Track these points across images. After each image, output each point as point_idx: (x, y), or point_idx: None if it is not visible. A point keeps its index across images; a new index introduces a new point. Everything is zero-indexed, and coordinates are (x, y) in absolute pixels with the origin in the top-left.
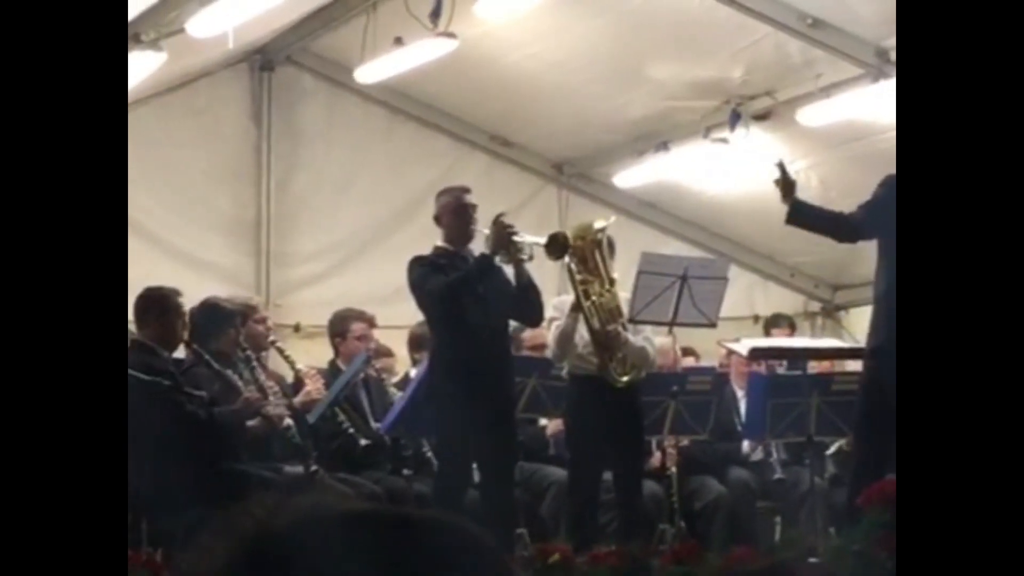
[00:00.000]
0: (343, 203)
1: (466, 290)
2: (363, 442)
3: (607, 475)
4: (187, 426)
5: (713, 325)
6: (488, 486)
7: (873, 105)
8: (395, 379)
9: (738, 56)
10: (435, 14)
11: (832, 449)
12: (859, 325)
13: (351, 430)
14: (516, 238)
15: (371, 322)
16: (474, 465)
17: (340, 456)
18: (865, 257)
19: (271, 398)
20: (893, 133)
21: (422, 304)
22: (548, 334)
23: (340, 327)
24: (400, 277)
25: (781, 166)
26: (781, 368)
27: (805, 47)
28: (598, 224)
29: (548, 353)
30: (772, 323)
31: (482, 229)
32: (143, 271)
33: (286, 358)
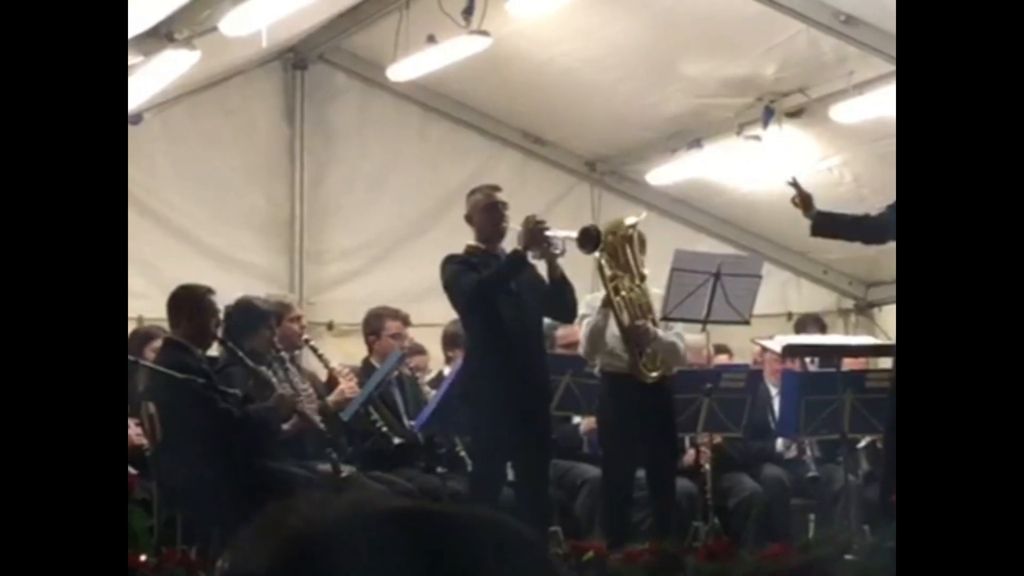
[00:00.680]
0: (376, 201)
1: (499, 287)
2: (396, 441)
3: (640, 473)
4: (221, 423)
5: (747, 322)
6: (522, 484)
7: None
8: (428, 377)
9: (771, 53)
10: (468, 12)
11: (863, 443)
12: (892, 322)
13: (384, 429)
14: (548, 233)
15: (405, 320)
16: (508, 463)
17: (374, 454)
18: None
19: (303, 398)
20: None
21: (455, 302)
22: (580, 331)
23: (374, 325)
24: (433, 275)
25: (794, 183)
26: (814, 365)
27: (838, 44)
28: (629, 220)
29: (580, 350)
30: (801, 326)
31: (514, 227)
32: (177, 269)
33: (320, 357)
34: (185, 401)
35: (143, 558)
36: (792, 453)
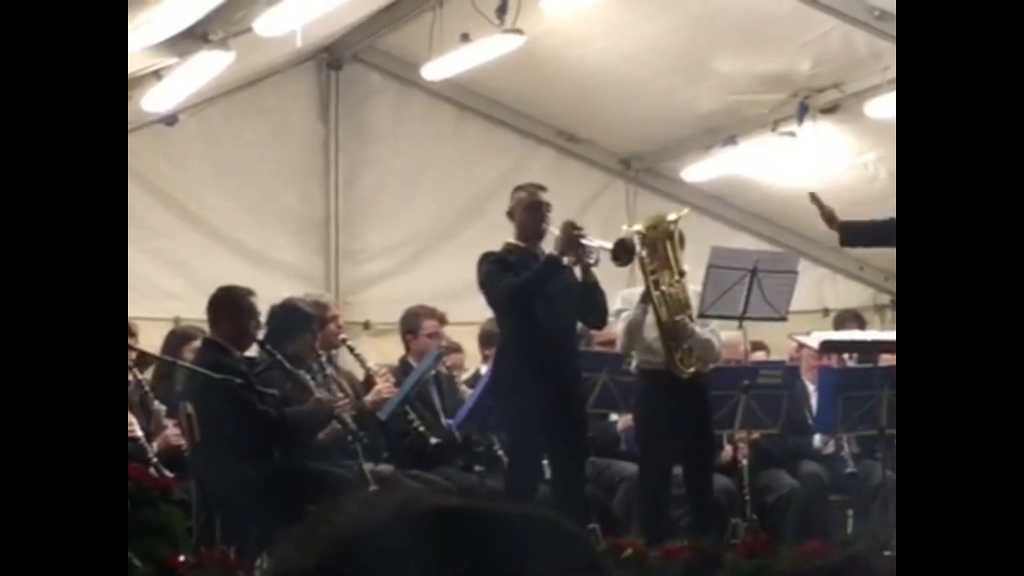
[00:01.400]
0: (411, 200)
1: (535, 291)
2: (434, 440)
3: (677, 470)
4: (258, 424)
5: (783, 319)
6: (559, 482)
7: None
8: (465, 376)
9: (805, 49)
10: (501, 10)
11: None
12: None
13: (422, 428)
14: (584, 241)
15: (442, 319)
16: (545, 461)
17: (412, 453)
18: None
19: (340, 404)
20: None
21: (491, 301)
22: (617, 327)
23: (411, 324)
24: (469, 273)
25: (813, 197)
26: (852, 361)
27: (872, 39)
28: (671, 216)
29: (617, 346)
30: (840, 322)
31: (552, 229)
32: (213, 270)
33: (356, 356)
34: (223, 401)
35: (182, 558)
36: (830, 449)
